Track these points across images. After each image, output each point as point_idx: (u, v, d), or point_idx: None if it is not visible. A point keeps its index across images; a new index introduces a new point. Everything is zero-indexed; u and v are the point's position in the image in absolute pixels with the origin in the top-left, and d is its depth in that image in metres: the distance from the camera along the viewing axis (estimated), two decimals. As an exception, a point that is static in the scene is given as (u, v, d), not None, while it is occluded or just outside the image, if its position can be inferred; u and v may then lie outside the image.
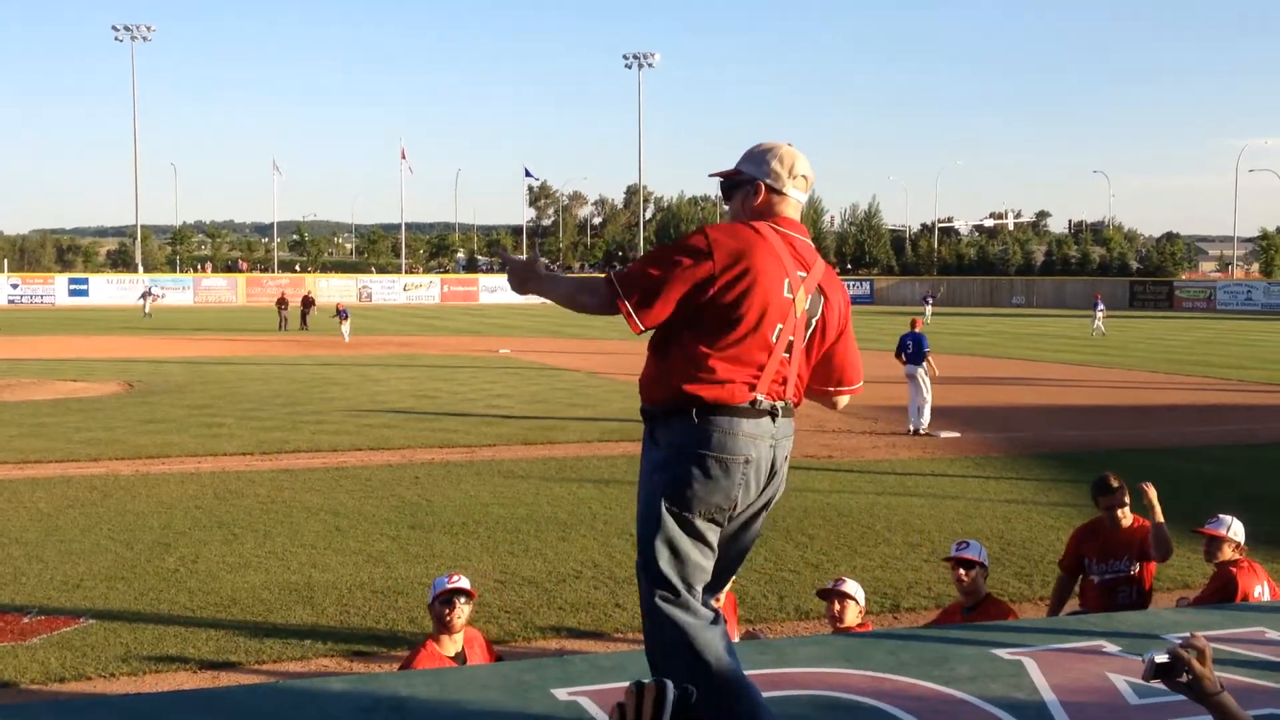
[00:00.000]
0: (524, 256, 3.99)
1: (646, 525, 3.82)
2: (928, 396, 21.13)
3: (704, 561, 3.82)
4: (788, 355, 3.82)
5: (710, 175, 4.11)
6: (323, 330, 51.90)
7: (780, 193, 3.85)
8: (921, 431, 20.78)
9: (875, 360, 34.72)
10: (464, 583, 6.50)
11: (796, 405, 3.94)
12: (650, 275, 3.70)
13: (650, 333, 3.84)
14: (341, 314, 47.84)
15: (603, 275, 3.94)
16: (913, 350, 21.45)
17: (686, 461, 3.73)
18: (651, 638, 3.85)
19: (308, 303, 57.09)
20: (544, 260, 4.14)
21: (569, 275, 4.06)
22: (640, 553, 3.85)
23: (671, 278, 3.68)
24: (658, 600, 3.77)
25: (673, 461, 3.74)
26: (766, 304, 3.72)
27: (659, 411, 3.79)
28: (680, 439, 3.74)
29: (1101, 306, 53.90)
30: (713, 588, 3.94)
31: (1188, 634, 3.10)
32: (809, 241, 3.93)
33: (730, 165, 4.02)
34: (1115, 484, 7.53)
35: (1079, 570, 7.69)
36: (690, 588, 3.80)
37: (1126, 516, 7.52)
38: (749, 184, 3.89)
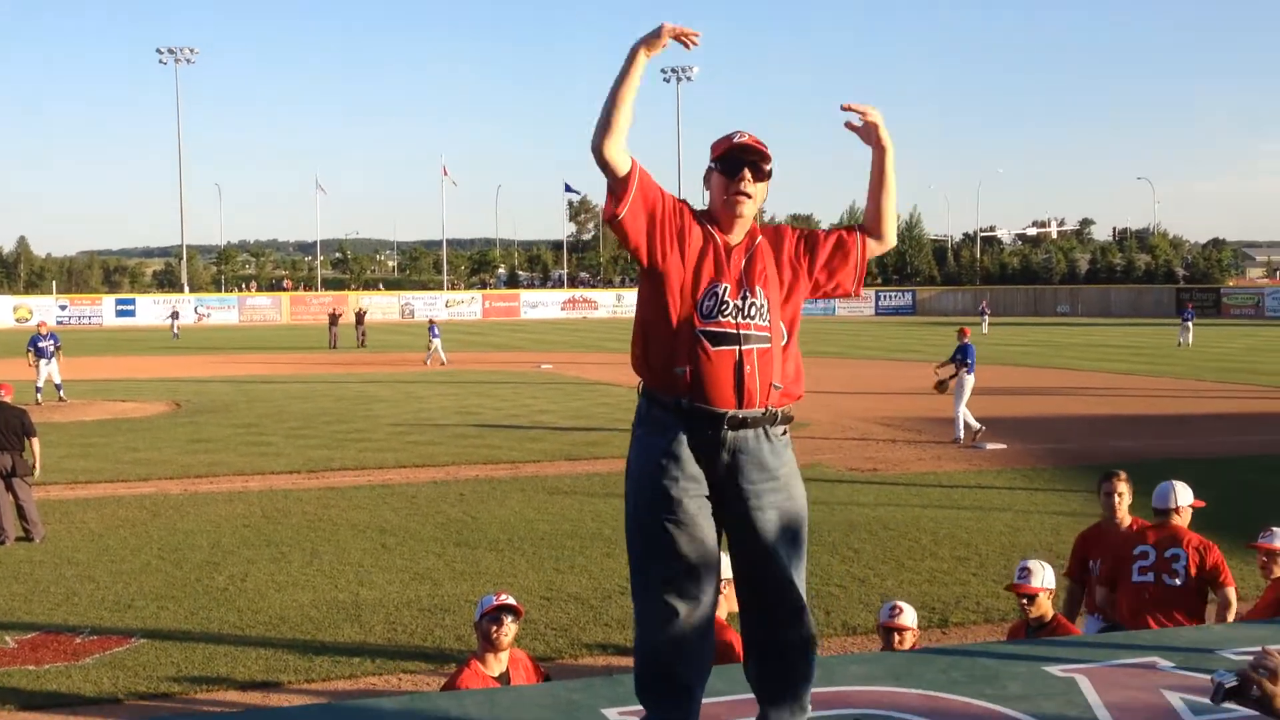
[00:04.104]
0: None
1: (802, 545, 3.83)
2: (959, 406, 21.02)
3: None
4: None
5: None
6: (380, 348, 51.56)
7: None
8: (961, 442, 20.68)
9: (919, 371, 34.51)
10: (511, 600, 6.45)
11: None
12: None
13: (780, 336, 3.77)
14: (432, 331, 42.80)
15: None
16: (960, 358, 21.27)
17: None
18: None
19: (360, 318, 55.40)
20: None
21: None
22: (801, 584, 3.82)
23: None
24: None
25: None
26: None
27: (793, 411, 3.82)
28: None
29: (1191, 315, 50.00)
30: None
31: (1258, 649, 3.04)
32: None
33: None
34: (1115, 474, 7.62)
35: (1085, 577, 7.55)
36: None
37: (1125, 514, 7.49)
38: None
